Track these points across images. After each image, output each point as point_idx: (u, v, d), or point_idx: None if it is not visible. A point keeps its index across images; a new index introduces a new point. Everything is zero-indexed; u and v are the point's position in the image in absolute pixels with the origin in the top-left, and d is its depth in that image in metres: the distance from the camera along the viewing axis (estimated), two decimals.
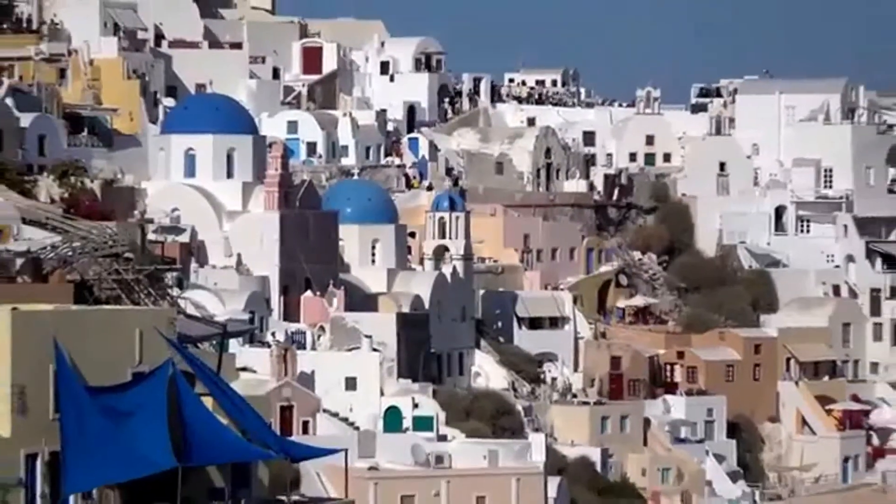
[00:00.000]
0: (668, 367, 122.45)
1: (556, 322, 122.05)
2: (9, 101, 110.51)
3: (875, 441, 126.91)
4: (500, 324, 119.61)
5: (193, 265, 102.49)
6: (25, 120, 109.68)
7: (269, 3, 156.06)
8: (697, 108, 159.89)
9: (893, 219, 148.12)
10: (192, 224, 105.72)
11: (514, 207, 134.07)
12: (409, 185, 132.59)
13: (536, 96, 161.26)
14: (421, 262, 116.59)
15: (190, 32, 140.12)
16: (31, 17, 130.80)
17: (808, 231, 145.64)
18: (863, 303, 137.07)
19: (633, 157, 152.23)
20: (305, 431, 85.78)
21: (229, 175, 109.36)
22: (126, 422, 57.62)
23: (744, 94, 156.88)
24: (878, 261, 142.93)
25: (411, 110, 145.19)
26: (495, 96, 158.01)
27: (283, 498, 65.17)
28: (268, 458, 66.35)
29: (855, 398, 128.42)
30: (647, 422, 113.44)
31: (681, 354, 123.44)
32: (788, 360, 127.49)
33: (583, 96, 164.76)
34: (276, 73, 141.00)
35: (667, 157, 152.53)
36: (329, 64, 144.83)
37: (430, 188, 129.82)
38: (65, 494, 55.78)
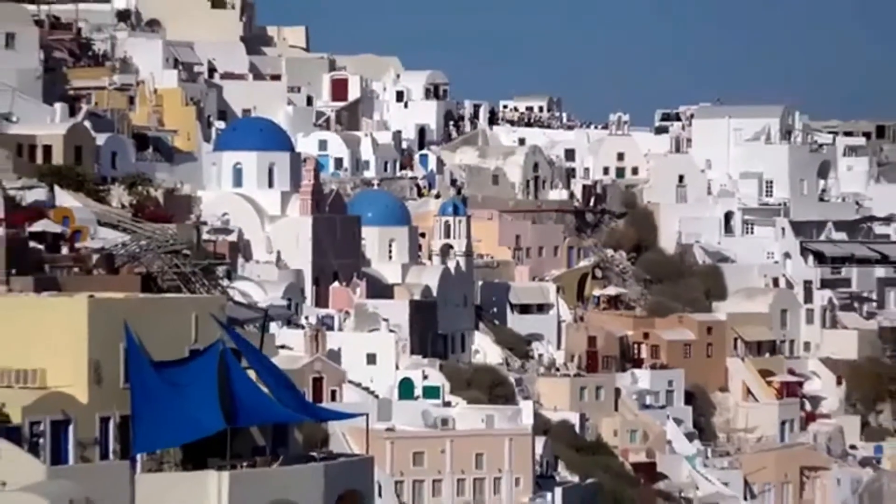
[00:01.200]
0: (636, 346, 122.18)
1: (542, 308, 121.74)
2: (87, 123, 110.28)
3: (807, 407, 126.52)
4: (495, 309, 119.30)
5: (240, 260, 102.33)
6: (100, 139, 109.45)
7: (304, 42, 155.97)
8: (660, 130, 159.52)
9: (823, 222, 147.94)
10: (239, 226, 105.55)
11: (507, 213, 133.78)
12: (419, 194, 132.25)
13: (526, 120, 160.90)
14: (430, 257, 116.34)
15: (237, 66, 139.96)
16: (106, 52, 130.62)
17: (752, 232, 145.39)
18: (797, 292, 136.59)
19: (606, 170, 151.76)
20: (333, 399, 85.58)
21: (270, 185, 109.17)
22: (184, 391, 57.47)
23: (699, 119, 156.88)
24: (810, 257, 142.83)
25: (422, 131, 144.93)
26: (492, 120, 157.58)
27: (315, 454, 64.91)
28: (302, 420, 66.22)
29: (791, 372, 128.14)
30: (617, 391, 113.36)
31: (646, 335, 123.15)
32: (736, 340, 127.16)
33: (564, 120, 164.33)
34: (309, 101, 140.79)
35: (634, 171, 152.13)
36: (353, 93, 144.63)
37: (437, 196, 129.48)
38: (133, 451, 55.59)
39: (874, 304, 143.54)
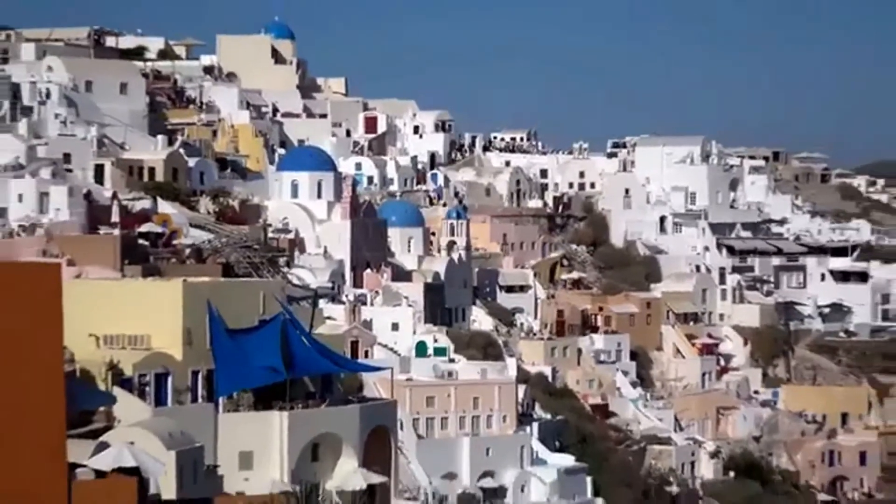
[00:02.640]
0: (593, 317, 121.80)
1: (523, 288, 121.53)
2: (181, 150, 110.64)
3: (721, 362, 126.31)
4: (488, 289, 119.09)
5: (296, 253, 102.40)
6: (191, 162, 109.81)
7: (344, 89, 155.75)
8: (611, 155, 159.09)
9: (733, 224, 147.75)
10: (295, 227, 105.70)
11: (496, 217, 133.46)
12: (431, 203, 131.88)
13: (511, 147, 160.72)
14: (438, 251, 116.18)
15: (294, 108, 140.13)
16: (195, 97, 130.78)
17: (680, 231, 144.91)
18: (714, 276, 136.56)
19: (571, 185, 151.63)
20: (366, 357, 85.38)
21: (319, 196, 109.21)
22: (254, 350, 57.52)
23: (640, 146, 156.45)
24: (724, 250, 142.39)
25: (432, 156, 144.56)
26: (485, 147, 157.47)
27: (352, 398, 64.91)
28: (342, 372, 66.20)
29: (709, 336, 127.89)
30: (580, 351, 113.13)
31: (601, 308, 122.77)
32: (668, 312, 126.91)
33: (540, 147, 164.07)
34: (348, 133, 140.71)
35: (592, 185, 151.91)
36: (381, 127, 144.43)
37: (444, 205, 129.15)
38: (216, 396, 55.66)
39: (772, 285, 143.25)
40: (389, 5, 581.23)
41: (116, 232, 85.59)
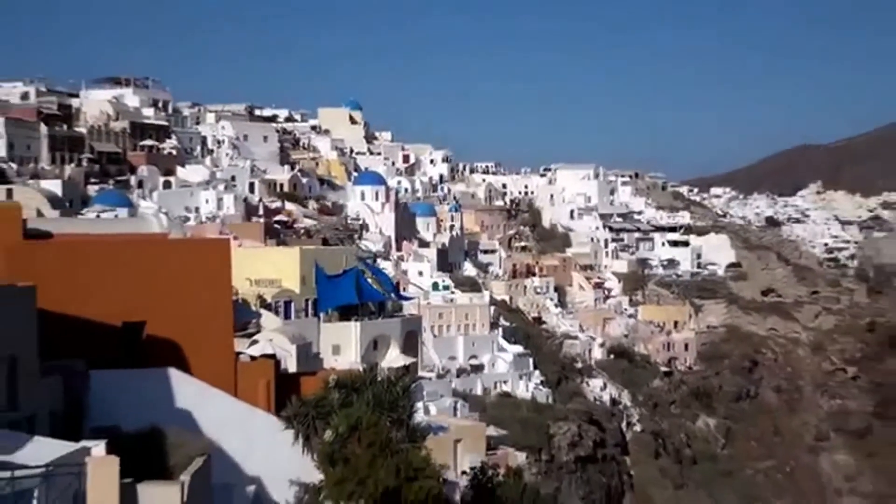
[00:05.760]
0: (533, 268, 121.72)
1: (493, 252, 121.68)
2: (298, 174, 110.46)
3: (605, 293, 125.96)
4: (473, 252, 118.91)
5: (364, 233, 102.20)
6: (304, 180, 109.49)
7: (390, 137, 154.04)
8: (543, 175, 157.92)
9: (612, 214, 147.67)
10: (363, 217, 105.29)
11: (478, 210, 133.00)
12: (439, 203, 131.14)
13: (485, 170, 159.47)
14: (444, 230, 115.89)
15: (362, 149, 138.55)
16: (306, 144, 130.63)
17: (582, 219, 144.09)
18: (601, 244, 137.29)
19: (520, 192, 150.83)
20: (405, 291, 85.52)
21: (376, 199, 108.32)
22: (339, 287, 57.38)
23: (560, 170, 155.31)
24: (607, 230, 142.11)
25: (441, 177, 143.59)
26: (471, 171, 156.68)
27: (396, 314, 65.01)
28: (391, 300, 66.00)
29: (599, 278, 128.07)
30: (525, 287, 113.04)
31: (537, 263, 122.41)
32: (575, 264, 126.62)
33: (502, 171, 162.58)
34: (393, 163, 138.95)
35: (532, 193, 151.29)
36: (411, 160, 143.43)
37: (447, 204, 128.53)
38: (318, 313, 55.63)
39: (634, 248, 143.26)
40: (417, 91, 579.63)
41: (262, 220, 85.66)
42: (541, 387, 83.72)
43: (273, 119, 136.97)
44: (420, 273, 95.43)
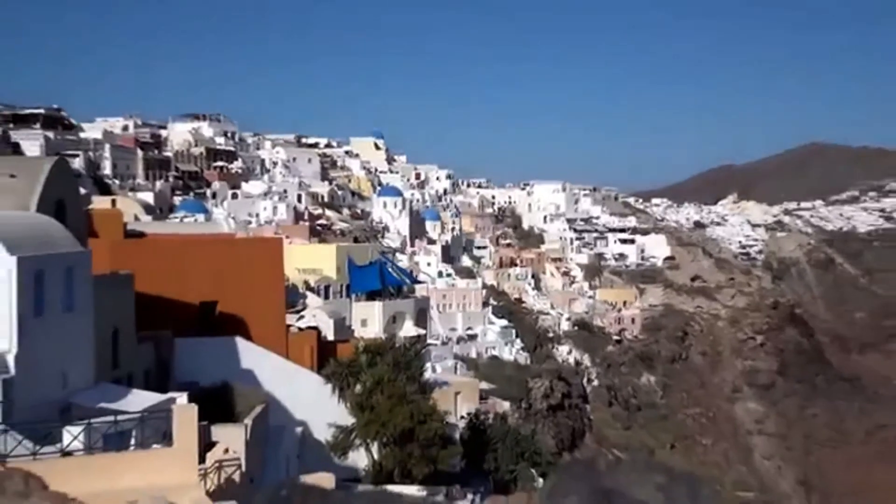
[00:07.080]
0: (517, 259, 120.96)
1: (485, 247, 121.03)
2: (335, 187, 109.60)
3: (571, 280, 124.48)
4: (468, 248, 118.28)
5: (386, 233, 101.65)
6: (340, 193, 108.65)
7: (405, 160, 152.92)
8: (523, 188, 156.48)
9: (576, 219, 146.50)
10: (385, 221, 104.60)
11: (473, 216, 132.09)
12: (443, 210, 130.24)
13: (480, 185, 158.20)
14: (446, 231, 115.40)
15: (384, 169, 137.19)
16: (341, 165, 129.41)
17: (553, 223, 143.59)
18: (567, 241, 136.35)
19: (505, 202, 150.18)
20: (417, 277, 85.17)
21: (395, 207, 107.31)
22: (367, 274, 56.94)
23: (536, 185, 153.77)
24: (572, 231, 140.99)
25: (445, 190, 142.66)
26: (469, 185, 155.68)
27: (410, 295, 64.54)
28: (406, 284, 65.53)
29: (566, 268, 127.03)
30: (509, 275, 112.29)
31: (518, 256, 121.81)
32: (548, 257, 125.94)
33: (493, 185, 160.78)
34: (407, 180, 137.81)
35: (514, 202, 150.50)
36: (422, 177, 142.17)
37: (449, 211, 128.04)
38: (350, 294, 55.08)
39: (593, 245, 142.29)
40: (427, 120, 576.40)
41: (307, 224, 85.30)
42: (521, 351, 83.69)
43: (315, 145, 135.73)
44: (428, 264, 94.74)
